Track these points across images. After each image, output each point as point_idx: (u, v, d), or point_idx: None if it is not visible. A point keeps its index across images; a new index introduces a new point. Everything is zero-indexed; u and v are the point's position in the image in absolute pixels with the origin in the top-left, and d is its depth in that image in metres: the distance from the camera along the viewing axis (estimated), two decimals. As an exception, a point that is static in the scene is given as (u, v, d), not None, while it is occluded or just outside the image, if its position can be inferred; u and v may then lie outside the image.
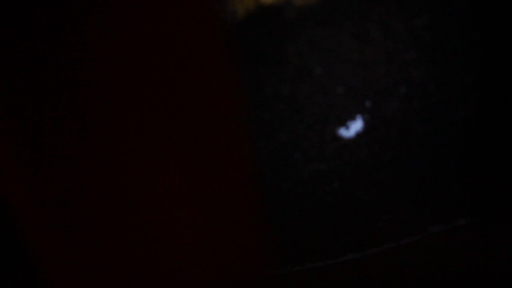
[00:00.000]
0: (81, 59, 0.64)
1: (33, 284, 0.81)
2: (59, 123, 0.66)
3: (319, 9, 1.00)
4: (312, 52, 0.99)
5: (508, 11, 0.98)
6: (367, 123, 1.01)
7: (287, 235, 1.00)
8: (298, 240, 0.99)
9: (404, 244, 0.92)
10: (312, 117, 1.00)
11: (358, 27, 1.00)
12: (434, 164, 1.01)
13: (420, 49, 1.01)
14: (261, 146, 0.99)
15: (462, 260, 0.88)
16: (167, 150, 0.70)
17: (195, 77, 0.69)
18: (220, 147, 0.72)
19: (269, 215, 0.96)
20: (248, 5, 0.96)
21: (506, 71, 1.00)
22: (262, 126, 0.99)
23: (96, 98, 0.66)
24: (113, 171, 0.68)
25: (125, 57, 0.65)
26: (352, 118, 1.01)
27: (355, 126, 1.01)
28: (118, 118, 0.67)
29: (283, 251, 0.96)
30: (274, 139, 1.00)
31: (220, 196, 0.74)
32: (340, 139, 1.01)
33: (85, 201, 0.69)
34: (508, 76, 1.00)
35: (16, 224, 0.70)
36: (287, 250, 0.96)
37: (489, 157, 1.00)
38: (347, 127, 1.01)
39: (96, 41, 0.64)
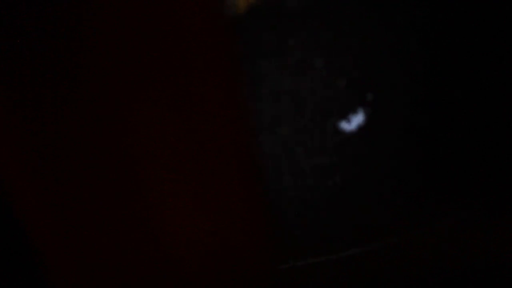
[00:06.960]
0: (81, 50, 0.63)
1: (38, 282, 0.80)
2: (63, 121, 0.66)
3: (320, 1, 0.99)
4: (313, 44, 0.99)
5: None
6: (369, 116, 1.00)
7: (290, 229, 0.99)
8: (300, 234, 0.99)
9: (408, 238, 0.92)
10: (313, 111, 1.00)
11: (359, 19, 1.00)
12: (437, 157, 1.01)
13: (422, 41, 1.01)
14: (263, 140, 0.99)
15: (467, 253, 0.88)
16: (169, 142, 0.70)
17: (195, 70, 0.68)
18: (221, 140, 0.72)
19: (271, 209, 0.96)
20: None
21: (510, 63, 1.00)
22: (263, 120, 0.99)
23: (98, 90, 0.65)
24: (116, 164, 0.68)
25: (124, 50, 0.65)
26: (354, 111, 1.00)
27: (357, 119, 1.00)
28: (119, 113, 0.67)
29: (285, 246, 0.95)
30: (275, 133, 1.00)
31: (221, 190, 0.74)
32: (341, 132, 1.00)
33: (89, 198, 0.69)
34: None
35: (21, 222, 0.70)
36: (290, 245, 0.96)
37: (495, 148, 1.00)
38: (349, 120, 1.00)
39: (99, 37, 0.63)
